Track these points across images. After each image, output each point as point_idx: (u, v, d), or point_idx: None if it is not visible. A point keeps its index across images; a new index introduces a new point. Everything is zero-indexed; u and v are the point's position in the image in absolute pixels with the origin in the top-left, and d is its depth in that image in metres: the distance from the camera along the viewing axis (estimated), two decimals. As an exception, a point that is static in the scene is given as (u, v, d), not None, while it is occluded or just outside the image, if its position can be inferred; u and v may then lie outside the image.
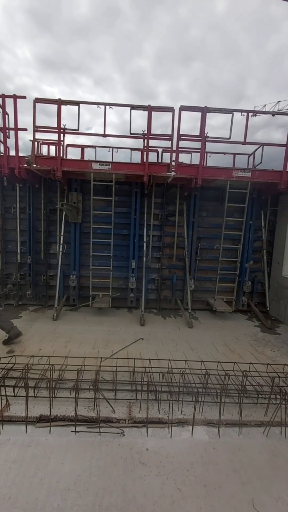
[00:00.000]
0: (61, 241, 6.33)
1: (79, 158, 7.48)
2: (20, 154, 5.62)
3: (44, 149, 7.61)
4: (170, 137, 5.57)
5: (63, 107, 5.43)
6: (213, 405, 3.19)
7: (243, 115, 5.49)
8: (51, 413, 2.87)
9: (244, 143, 5.68)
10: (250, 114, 5.50)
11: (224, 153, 7.48)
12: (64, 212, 6.26)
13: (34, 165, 5.49)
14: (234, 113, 5.48)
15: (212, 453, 2.62)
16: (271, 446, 2.76)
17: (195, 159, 7.10)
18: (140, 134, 5.82)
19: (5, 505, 2.04)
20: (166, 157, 6.92)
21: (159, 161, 7.09)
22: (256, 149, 6.87)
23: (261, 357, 4.55)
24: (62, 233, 6.36)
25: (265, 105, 36.47)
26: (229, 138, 5.60)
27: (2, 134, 5.77)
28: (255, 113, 5.51)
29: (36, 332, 5.15)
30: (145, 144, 5.77)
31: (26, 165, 5.59)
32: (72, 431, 2.74)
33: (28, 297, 6.74)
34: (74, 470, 2.35)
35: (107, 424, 2.83)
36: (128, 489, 2.21)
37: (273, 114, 5.80)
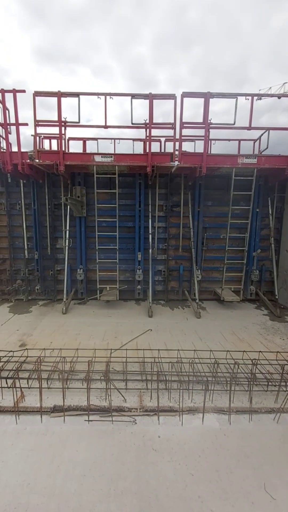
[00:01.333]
0: (67, 236, 6.37)
1: (81, 151, 7.42)
2: (22, 150, 5.60)
3: (46, 144, 7.57)
4: (172, 126, 5.45)
5: (63, 99, 5.35)
6: (223, 393, 3.22)
7: (248, 99, 5.32)
8: (64, 403, 2.95)
9: (249, 128, 5.53)
10: (255, 98, 5.33)
11: (229, 140, 7.30)
12: (68, 206, 6.27)
13: (37, 160, 5.48)
14: (238, 97, 5.31)
15: (223, 439, 2.67)
16: (282, 432, 2.78)
17: (199, 147, 6.96)
18: (142, 124, 5.71)
19: (24, 491, 2.14)
20: (169, 147, 6.79)
21: (162, 150, 6.97)
22: (262, 134, 6.68)
23: (270, 346, 4.55)
24: (67, 228, 6.38)
25: (270, 87, 35.20)
26: (234, 123, 5.45)
27: (3, 130, 5.75)
28: (260, 96, 5.32)
29: (47, 326, 5.24)
30: (147, 134, 5.67)
31: (29, 160, 5.58)
32: (85, 420, 2.82)
33: (37, 292, 6.85)
34: (89, 457, 2.43)
35: (119, 413, 2.90)
36: (142, 475, 2.28)
37: (279, 96, 5.59)
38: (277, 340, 4.81)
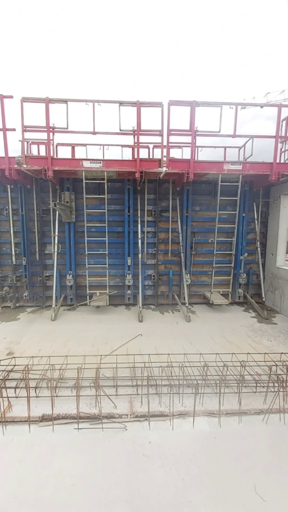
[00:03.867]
0: (56, 241, 6.31)
1: (70, 157, 7.41)
2: (10, 155, 5.55)
3: (34, 149, 7.52)
4: (160, 133, 5.55)
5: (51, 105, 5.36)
6: (213, 396, 3.24)
7: (232, 108, 5.50)
8: (53, 412, 2.90)
9: (234, 136, 5.70)
10: (239, 107, 5.51)
11: (215, 147, 7.49)
12: (57, 212, 6.23)
13: (25, 166, 5.44)
14: (223, 106, 5.48)
15: (213, 442, 2.68)
16: (271, 432, 2.82)
17: (187, 154, 7.10)
18: (130, 131, 5.79)
19: (13, 503, 2.07)
20: (158, 153, 6.90)
21: (151, 157, 7.07)
22: (246, 142, 6.90)
23: (258, 347, 4.63)
24: (56, 233, 6.33)
25: (254, 97, 36.59)
26: (219, 131, 5.61)
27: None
28: (243, 105, 5.51)
29: (35, 333, 5.14)
30: (136, 141, 5.75)
31: (16, 165, 5.53)
32: (75, 428, 2.77)
33: (25, 299, 6.72)
34: (79, 466, 2.39)
35: (109, 420, 2.87)
36: (133, 482, 2.25)
37: (262, 106, 5.81)
38: (264, 341, 4.90)
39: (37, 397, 3.19)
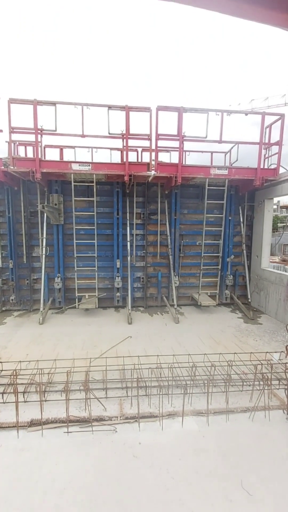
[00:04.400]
0: (44, 244, 6.24)
1: (58, 159, 7.37)
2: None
3: (21, 151, 7.41)
4: (148, 137, 5.64)
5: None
6: (201, 396, 3.31)
7: (218, 114, 5.66)
8: (42, 417, 2.87)
9: (220, 141, 5.86)
10: (225, 113, 5.67)
11: (202, 152, 7.65)
12: (45, 214, 6.17)
13: (12, 167, 5.37)
14: (209, 112, 5.63)
15: (201, 441, 2.75)
16: (257, 429, 2.92)
17: (175, 158, 7.21)
18: (119, 134, 5.84)
19: (2, 507, 2.05)
20: (146, 157, 6.98)
21: (139, 160, 7.14)
22: (232, 147, 7.10)
23: (244, 347, 4.76)
24: (44, 236, 6.26)
25: (239, 103, 37.70)
26: (206, 137, 5.75)
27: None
28: (229, 112, 5.68)
29: (23, 337, 5.06)
30: (125, 144, 5.80)
31: (3, 167, 5.45)
32: (64, 432, 2.76)
33: (12, 302, 6.59)
34: (69, 469, 2.38)
35: (99, 423, 2.88)
36: (123, 483, 2.28)
37: (246, 113, 6.02)
38: (250, 341, 5.04)
39: (25, 402, 3.16)
